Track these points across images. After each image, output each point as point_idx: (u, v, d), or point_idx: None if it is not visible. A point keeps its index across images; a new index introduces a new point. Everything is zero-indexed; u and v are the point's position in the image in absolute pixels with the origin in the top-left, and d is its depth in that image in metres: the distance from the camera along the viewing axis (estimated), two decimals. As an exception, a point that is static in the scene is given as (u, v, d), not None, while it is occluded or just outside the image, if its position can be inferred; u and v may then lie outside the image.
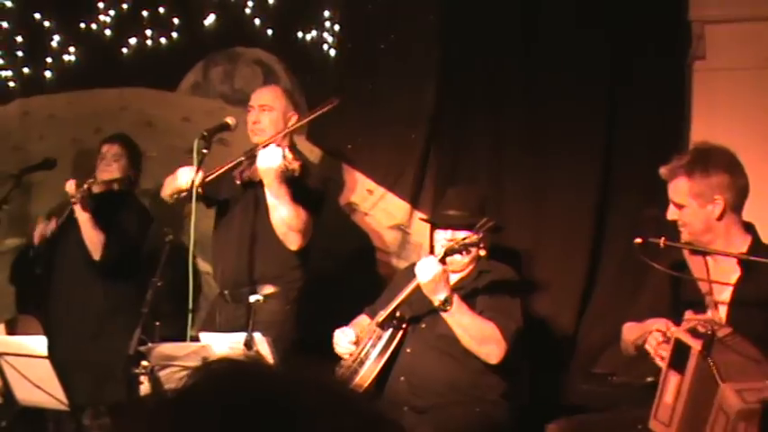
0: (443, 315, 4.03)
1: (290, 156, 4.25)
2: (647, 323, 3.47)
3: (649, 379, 3.82)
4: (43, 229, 5.17)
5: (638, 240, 3.48)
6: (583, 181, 4.96)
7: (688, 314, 3.35)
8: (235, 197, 4.62)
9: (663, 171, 3.61)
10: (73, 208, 4.94)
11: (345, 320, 4.37)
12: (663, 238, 3.47)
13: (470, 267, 4.32)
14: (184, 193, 4.34)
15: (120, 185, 5.19)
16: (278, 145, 4.29)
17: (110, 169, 5.16)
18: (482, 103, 5.19)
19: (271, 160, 4.20)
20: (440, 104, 5.24)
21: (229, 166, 4.47)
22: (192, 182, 4.26)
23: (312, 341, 4.36)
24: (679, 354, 3.21)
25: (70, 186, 4.89)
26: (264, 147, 4.30)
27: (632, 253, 4.20)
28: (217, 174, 4.40)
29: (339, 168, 5.39)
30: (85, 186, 4.89)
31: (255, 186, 4.46)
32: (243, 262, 4.49)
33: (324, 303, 4.66)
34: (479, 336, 4.05)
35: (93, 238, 4.95)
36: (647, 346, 3.39)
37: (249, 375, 1.06)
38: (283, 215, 4.33)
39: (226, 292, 4.57)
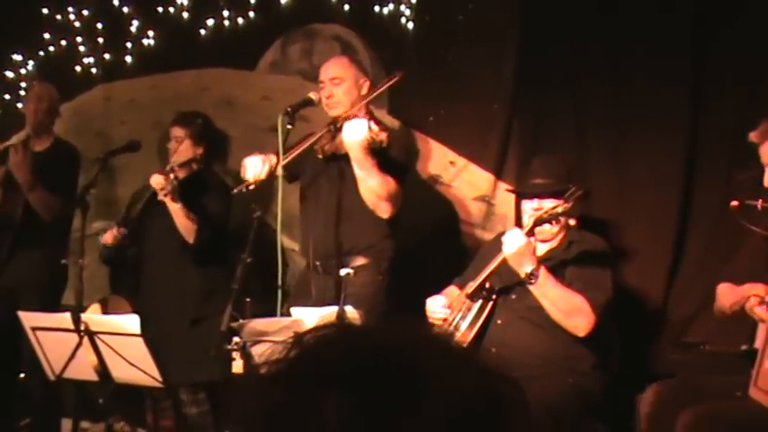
0: (530, 287, 4.00)
1: (375, 127, 4.22)
2: (744, 288, 3.41)
3: (744, 347, 3.75)
4: (115, 233, 5.00)
5: (735, 203, 3.43)
6: (668, 148, 4.85)
7: None
8: (319, 171, 4.61)
9: (753, 135, 3.58)
10: (162, 200, 4.83)
11: (432, 294, 4.35)
12: (760, 201, 3.41)
13: (560, 236, 4.26)
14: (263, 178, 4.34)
15: (198, 164, 5.17)
16: (362, 117, 4.26)
17: (178, 153, 5.08)
18: (563, 72, 5.11)
19: (356, 133, 4.18)
20: (520, 74, 5.17)
21: (308, 143, 4.45)
22: (272, 169, 4.29)
23: (402, 314, 4.34)
24: None
25: (156, 181, 4.79)
26: (347, 119, 4.28)
27: (721, 220, 4.13)
28: (295, 154, 4.36)
29: (420, 141, 5.34)
30: (172, 177, 4.82)
31: (339, 159, 4.45)
32: (332, 234, 4.47)
33: (410, 277, 4.63)
34: (567, 308, 4.01)
35: (186, 226, 4.89)
36: (747, 310, 3.34)
37: (363, 339, 1.04)
38: (372, 185, 4.32)
39: (318, 263, 4.53)
